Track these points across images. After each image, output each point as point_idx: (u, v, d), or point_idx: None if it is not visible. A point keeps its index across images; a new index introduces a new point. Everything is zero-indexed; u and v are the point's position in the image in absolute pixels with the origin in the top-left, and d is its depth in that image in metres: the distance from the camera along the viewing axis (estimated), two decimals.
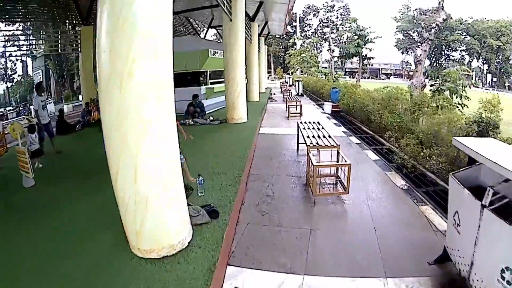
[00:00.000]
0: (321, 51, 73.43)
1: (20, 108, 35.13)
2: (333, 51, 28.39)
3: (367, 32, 22.85)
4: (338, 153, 5.60)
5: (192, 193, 5.11)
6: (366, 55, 23.95)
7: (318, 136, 6.38)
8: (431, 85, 11.12)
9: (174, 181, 3.63)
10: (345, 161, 5.11)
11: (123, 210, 3.49)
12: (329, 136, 6.35)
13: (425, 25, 11.01)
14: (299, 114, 13.81)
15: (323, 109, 16.52)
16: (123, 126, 3.21)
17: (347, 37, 76.39)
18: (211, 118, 12.16)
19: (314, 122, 7.76)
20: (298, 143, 8.33)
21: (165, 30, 3.34)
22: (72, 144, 10.17)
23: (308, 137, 6.32)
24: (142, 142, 3.23)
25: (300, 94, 24.22)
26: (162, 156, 3.40)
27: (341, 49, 24.77)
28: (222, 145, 8.27)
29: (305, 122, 7.82)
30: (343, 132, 10.76)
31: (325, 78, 27.80)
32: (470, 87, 10.66)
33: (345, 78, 31.60)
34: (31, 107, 27.38)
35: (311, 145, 5.73)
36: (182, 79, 15.09)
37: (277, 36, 75.19)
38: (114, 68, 3.12)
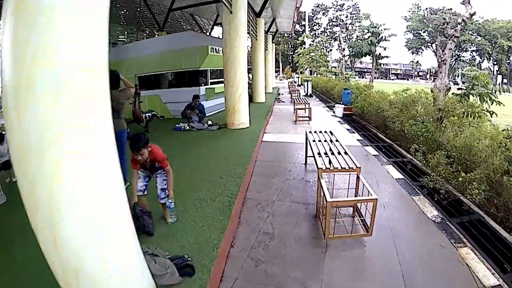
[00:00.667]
0: (330, 50, 71.75)
1: None
2: (343, 49, 26.83)
3: (381, 30, 21.26)
4: (358, 178, 4.33)
5: (160, 222, 3.92)
6: (379, 54, 22.35)
7: (332, 153, 5.07)
8: (459, 89, 9.74)
9: (120, 237, 2.40)
10: (369, 194, 3.81)
11: (54, 274, 2.29)
12: (345, 153, 5.04)
13: (450, 21, 9.61)
14: (307, 118, 12.54)
15: (334, 112, 15.23)
16: (29, 169, 1.99)
17: (357, 36, 74.94)
18: (210, 122, 10.96)
19: (326, 132, 6.50)
20: (306, 156, 7.08)
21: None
22: None
23: (319, 154, 5.02)
24: (58, 193, 1.99)
25: (309, 94, 22.92)
26: (95, 206, 2.16)
27: (352, 48, 23.18)
28: (216, 158, 7.03)
29: (315, 132, 6.55)
30: (358, 140, 9.47)
31: (336, 78, 26.45)
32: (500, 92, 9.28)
33: (355, 78, 30.03)
34: None
35: (323, 167, 4.42)
36: (179, 79, 13.96)
37: (285, 35, 74.16)
38: (12, 78, 1.88)
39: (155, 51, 14.13)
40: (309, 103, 13.11)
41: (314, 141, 5.83)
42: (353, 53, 22.77)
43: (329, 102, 19.57)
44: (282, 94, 25.06)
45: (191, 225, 4.02)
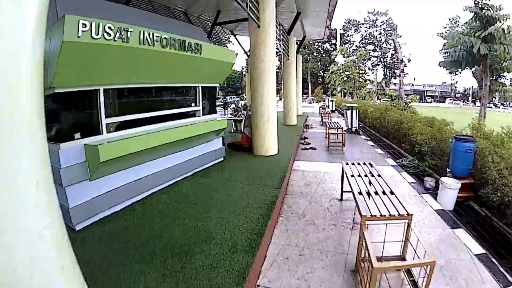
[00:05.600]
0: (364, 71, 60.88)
1: None
2: (401, 61, 17.53)
3: (504, 14, 11.08)
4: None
5: None
6: (503, 59, 11.94)
7: None
8: None
9: None
10: None
11: None
12: None
13: None
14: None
15: (431, 194, 5.97)
16: None
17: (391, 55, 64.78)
18: None
19: None
20: None
21: None
22: None
23: None
24: None
25: (354, 130, 13.47)
26: None
27: (454, 47, 13.17)
28: None
29: None
30: None
31: (392, 103, 16.88)
32: None
33: (416, 102, 19.44)
34: None
35: None
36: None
37: (315, 53, 64.90)
38: None
39: None
40: (407, 215, 3.63)
41: None
42: (449, 58, 12.84)
43: (397, 153, 10.19)
44: (312, 127, 15.75)
45: None
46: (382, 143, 11.81)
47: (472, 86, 69.41)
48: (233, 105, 23.31)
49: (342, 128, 10.70)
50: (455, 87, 72.05)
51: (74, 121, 4.30)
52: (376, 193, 3.94)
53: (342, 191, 5.47)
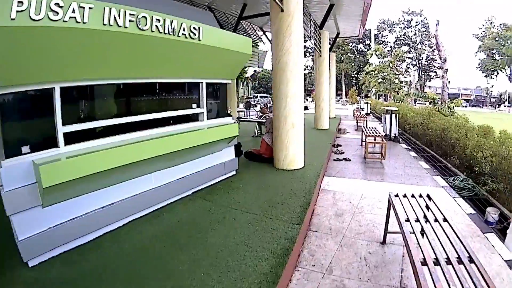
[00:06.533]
0: (401, 72, 57.57)
1: None
2: (445, 60, 15.64)
3: None
4: None
5: None
6: None
7: None
8: None
9: None
10: None
11: None
12: None
13: None
14: None
15: (495, 231, 4.33)
16: None
17: (427, 56, 61.86)
18: None
19: None
20: None
21: None
22: None
23: None
24: None
25: (393, 137, 11.65)
26: None
27: None
28: None
29: None
30: None
31: (435, 107, 14.91)
32: None
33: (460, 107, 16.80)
34: None
35: None
36: None
37: (348, 52, 62.36)
38: None
39: None
40: None
41: None
42: None
43: (436, 162, 8.47)
44: (346, 132, 14.08)
45: None
46: (424, 153, 9.98)
47: (506, 90, 65.12)
48: (258, 106, 21.74)
49: (382, 136, 8.99)
50: (491, 91, 67.74)
51: (20, 131, 3.03)
52: (448, 261, 2.41)
53: (386, 232, 3.88)
